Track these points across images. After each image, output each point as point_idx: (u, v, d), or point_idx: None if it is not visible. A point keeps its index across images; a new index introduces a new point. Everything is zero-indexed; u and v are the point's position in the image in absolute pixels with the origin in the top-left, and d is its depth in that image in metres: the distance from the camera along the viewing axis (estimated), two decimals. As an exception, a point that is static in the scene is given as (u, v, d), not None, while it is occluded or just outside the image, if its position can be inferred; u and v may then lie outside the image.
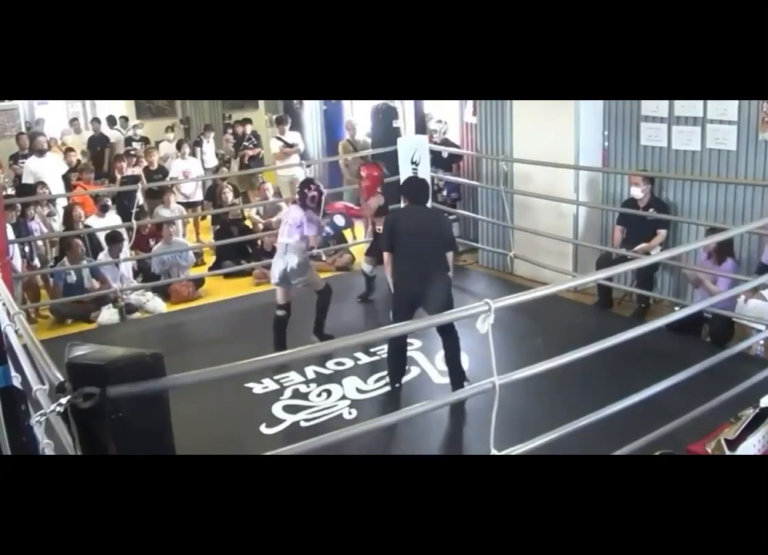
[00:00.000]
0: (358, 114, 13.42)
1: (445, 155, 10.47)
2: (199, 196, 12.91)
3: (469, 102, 10.73)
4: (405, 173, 9.30)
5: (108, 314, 8.71)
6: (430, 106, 11.50)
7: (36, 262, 9.66)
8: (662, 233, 8.08)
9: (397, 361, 6.34)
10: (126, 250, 9.29)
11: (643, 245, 7.90)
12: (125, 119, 16.44)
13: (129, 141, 15.15)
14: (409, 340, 6.91)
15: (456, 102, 11.05)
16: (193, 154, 13.75)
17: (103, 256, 9.37)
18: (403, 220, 6.35)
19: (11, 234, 8.58)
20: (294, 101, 13.90)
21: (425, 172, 9.35)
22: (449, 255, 6.27)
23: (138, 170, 12.65)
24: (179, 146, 13.75)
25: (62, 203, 11.15)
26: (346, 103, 13.64)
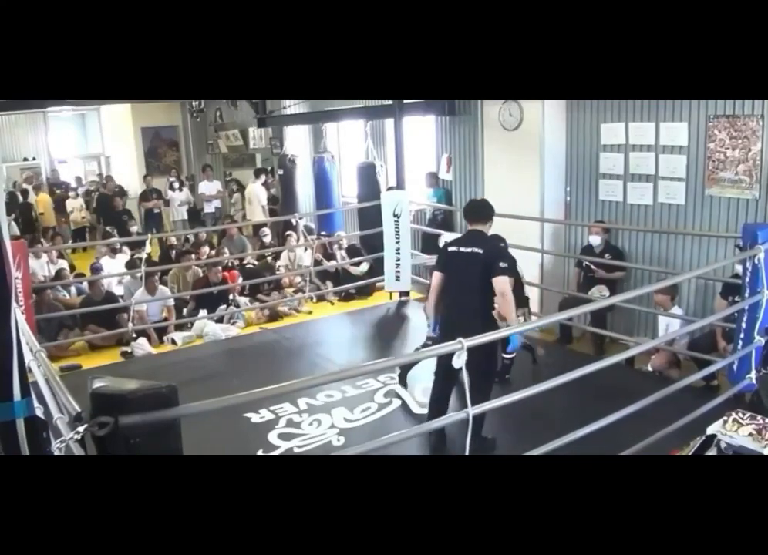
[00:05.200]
0: (345, 170, 13.61)
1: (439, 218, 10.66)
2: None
3: (444, 160, 10.88)
4: (387, 224, 9.44)
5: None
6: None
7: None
8: (618, 273, 8.32)
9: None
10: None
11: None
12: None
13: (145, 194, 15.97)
14: (390, 374, 6.99)
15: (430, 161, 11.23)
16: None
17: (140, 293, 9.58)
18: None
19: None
20: (285, 157, 14.07)
21: (405, 224, 9.46)
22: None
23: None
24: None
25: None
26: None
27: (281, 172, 14.08)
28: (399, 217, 9.40)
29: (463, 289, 5.52)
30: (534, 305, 8.85)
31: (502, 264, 5.43)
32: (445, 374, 5.56)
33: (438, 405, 5.64)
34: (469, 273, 5.47)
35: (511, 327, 5.19)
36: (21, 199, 16.92)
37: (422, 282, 10.16)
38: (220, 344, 9.22)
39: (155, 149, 18.97)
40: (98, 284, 9.90)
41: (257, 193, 14.39)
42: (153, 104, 16.84)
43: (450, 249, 5.72)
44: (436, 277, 5.78)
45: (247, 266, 11.76)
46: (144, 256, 9.32)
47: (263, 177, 14.70)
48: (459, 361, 3.77)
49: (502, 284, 5.35)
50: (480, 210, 5.82)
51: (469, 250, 5.52)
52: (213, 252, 11.97)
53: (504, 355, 6.65)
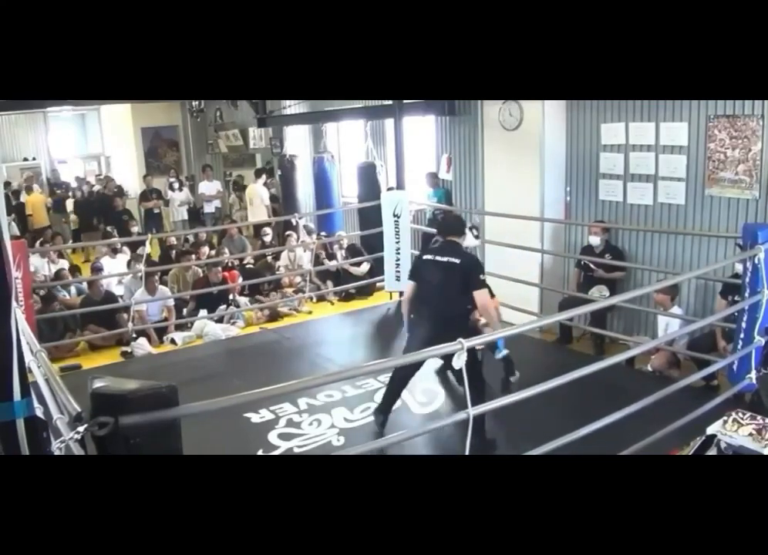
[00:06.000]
0: (345, 170, 13.61)
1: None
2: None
3: (444, 160, 10.88)
4: (387, 224, 9.44)
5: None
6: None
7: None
8: (618, 273, 8.32)
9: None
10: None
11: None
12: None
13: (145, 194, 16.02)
14: (390, 374, 6.99)
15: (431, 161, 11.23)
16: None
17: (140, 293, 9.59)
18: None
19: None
20: (285, 157, 14.10)
21: (405, 224, 9.46)
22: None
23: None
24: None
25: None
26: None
27: (280, 172, 14.10)
28: (399, 217, 9.40)
29: (439, 297, 5.64)
30: (534, 305, 8.87)
31: (481, 277, 5.69)
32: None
33: (396, 387, 6.03)
34: (445, 281, 5.63)
35: (498, 331, 5.27)
36: (13, 201, 16.91)
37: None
38: (220, 344, 9.23)
39: (155, 149, 18.98)
40: (97, 284, 9.90)
41: (259, 192, 14.41)
42: (153, 104, 16.85)
43: (426, 257, 5.89)
44: (410, 286, 5.98)
45: (247, 266, 11.77)
46: (144, 256, 9.31)
47: (263, 177, 14.75)
48: (459, 362, 3.77)
49: (483, 297, 5.61)
50: (455, 225, 6.05)
51: (445, 259, 5.69)
52: (213, 252, 11.98)
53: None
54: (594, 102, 8.56)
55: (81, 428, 2.66)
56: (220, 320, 10.00)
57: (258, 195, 14.39)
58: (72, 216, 17.04)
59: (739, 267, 6.24)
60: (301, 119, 13.83)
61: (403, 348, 5.84)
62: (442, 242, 5.98)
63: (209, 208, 15.82)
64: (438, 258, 5.75)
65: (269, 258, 12.22)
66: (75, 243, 15.74)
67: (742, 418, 4.57)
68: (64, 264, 12.12)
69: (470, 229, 7.53)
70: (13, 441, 2.63)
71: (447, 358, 4.96)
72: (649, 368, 7.22)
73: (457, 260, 5.65)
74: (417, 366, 5.73)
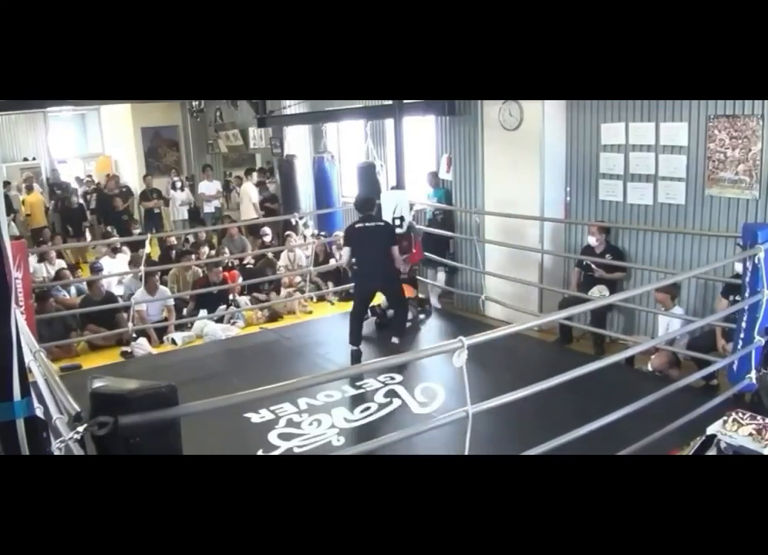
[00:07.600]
0: (345, 170, 13.61)
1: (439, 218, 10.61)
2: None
3: (444, 160, 10.87)
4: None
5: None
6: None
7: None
8: (619, 274, 8.32)
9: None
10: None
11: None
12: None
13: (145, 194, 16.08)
14: (390, 374, 7.00)
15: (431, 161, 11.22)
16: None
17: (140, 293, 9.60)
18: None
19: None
20: (285, 157, 14.10)
21: (405, 224, 9.44)
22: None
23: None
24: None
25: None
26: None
27: (278, 172, 14.11)
28: (399, 218, 9.38)
29: (377, 251, 7.72)
30: (534, 305, 8.88)
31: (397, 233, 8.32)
32: (364, 302, 8.15)
33: (359, 322, 8.01)
34: (378, 239, 7.74)
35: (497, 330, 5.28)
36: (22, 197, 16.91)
37: (423, 281, 10.15)
38: (220, 344, 9.25)
39: (155, 149, 18.96)
40: (97, 284, 9.90)
41: (248, 191, 14.51)
42: (153, 104, 16.84)
43: (357, 226, 7.94)
44: (347, 251, 8.25)
45: (247, 266, 11.77)
46: (144, 256, 9.31)
47: (254, 176, 14.79)
48: (459, 361, 3.76)
49: (396, 251, 7.91)
50: (370, 203, 8.15)
51: (373, 224, 7.87)
52: (213, 252, 11.98)
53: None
54: (594, 102, 8.56)
55: (81, 428, 2.65)
56: (220, 320, 10.01)
57: (247, 194, 14.49)
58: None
59: (739, 267, 6.23)
60: (301, 119, 13.82)
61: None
62: (364, 215, 7.99)
63: (209, 208, 15.82)
64: (367, 224, 7.84)
65: (270, 255, 12.22)
66: (71, 245, 15.67)
67: (742, 418, 4.57)
68: (62, 264, 12.11)
69: (398, 219, 9.26)
70: (13, 441, 2.64)
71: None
72: (649, 368, 7.22)
73: (381, 223, 8.00)
74: (367, 303, 8.24)
